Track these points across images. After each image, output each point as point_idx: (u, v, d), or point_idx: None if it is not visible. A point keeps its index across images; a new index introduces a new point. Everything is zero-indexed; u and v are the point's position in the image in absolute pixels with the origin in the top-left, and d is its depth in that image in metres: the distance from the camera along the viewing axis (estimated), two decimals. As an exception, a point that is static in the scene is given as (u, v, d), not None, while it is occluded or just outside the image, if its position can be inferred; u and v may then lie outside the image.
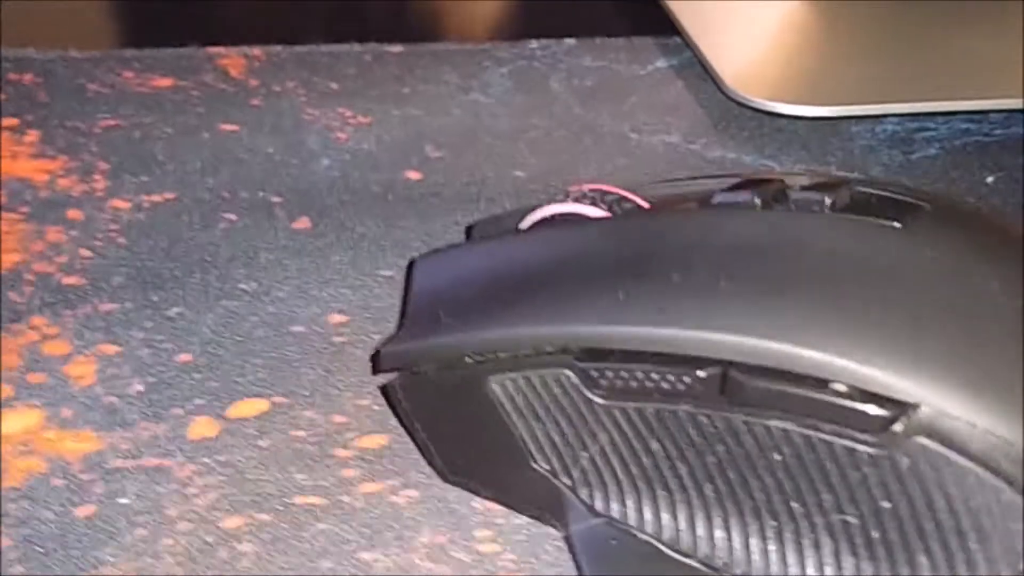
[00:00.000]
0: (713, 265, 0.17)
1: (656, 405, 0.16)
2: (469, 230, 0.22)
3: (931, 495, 0.15)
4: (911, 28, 0.31)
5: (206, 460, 0.21)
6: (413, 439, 0.20)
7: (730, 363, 0.16)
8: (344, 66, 0.33)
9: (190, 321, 0.24)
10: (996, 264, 0.16)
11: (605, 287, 0.17)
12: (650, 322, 0.16)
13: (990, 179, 0.28)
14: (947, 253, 0.16)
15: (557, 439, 0.18)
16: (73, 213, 0.27)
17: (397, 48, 0.34)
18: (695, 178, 0.21)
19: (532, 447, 0.18)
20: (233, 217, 0.27)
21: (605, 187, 0.20)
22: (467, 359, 0.18)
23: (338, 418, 0.21)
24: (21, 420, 0.21)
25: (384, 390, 0.20)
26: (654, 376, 0.16)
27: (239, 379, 0.22)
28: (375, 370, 0.19)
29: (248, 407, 0.22)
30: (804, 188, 0.18)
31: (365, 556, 0.19)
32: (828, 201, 0.17)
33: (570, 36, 0.34)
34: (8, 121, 0.31)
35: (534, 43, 0.33)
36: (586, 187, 0.20)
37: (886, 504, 0.15)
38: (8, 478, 0.20)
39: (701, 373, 0.16)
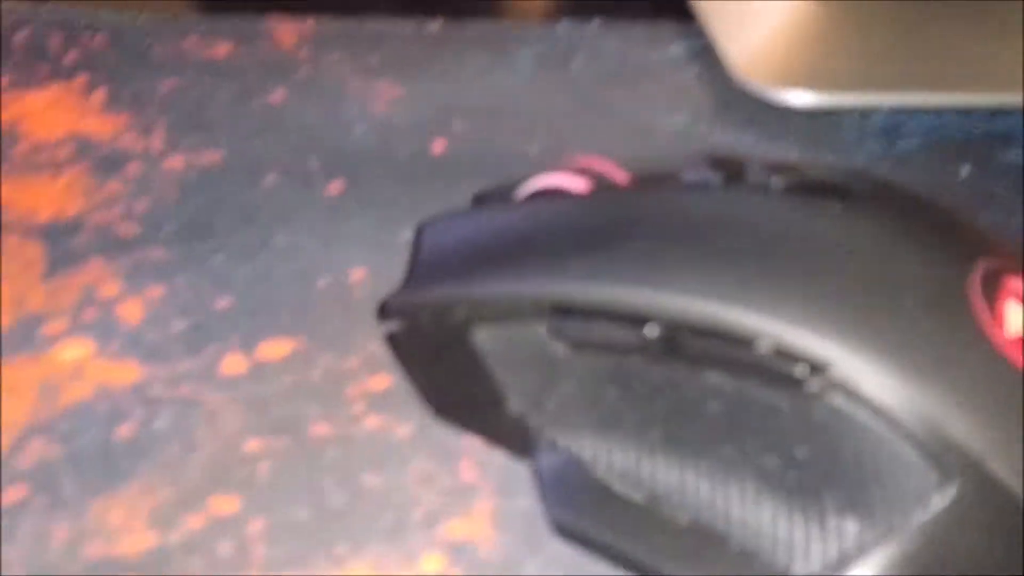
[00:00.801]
0: (667, 237, 0.19)
1: (611, 358, 0.19)
2: (476, 197, 0.25)
3: (838, 446, 0.17)
4: (916, 25, 0.33)
5: (234, 392, 0.24)
6: (410, 381, 0.23)
7: (674, 324, 0.18)
8: (386, 41, 0.35)
9: (230, 270, 0.27)
10: (922, 242, 0.18)
11: (574, 255, 0.19)
12: (606, 283, 0.19)
13: (964, 172, 0.29)
14: (880, 232, 0.19)
15: (528, 385, 0.20)
16: (132, 168, 0.30)
17: (435, 26, 0.36)
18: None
19: (508, 391, 0.20)
20: (275, 178, 0.29)
21: (595, 160, 0.22)
22: (456, 312, 0.20)
23: (352, 360, 0.24)
24: (74, 351, 0.24)
25: (387, 337, 0.22)
26: (610, 333, 0.19)
27: (268, 323, 0.25)
28: (380, 318, 0.22)
29: (275, 348, 0.25)
30: (761, 169, 0.20)
31: (364, 478, 0.22)
32: (779, 182, 0.19)
33: (595, 20, 0.36)
34: (79, 78, 0.33)
35: (560, 26, 0.36)
36: (580, 160, 0.22)
37: (800, 451, 0.18)
38: (60, 401, 0.23)
39: (649, 331, 0.18)
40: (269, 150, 0.31)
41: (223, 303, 0.26)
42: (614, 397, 0.19)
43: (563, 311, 0.19)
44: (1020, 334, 0.17)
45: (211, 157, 0.30)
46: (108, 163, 0.30)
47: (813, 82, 0.30)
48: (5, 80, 0.33)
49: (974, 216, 0.23)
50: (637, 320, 0.18)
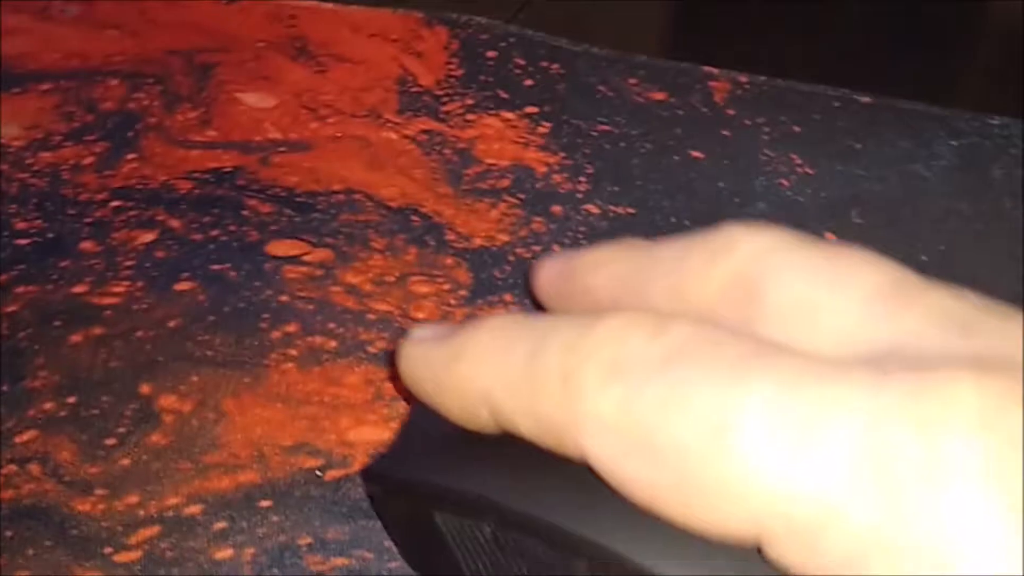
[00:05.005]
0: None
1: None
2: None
3: None
4: None
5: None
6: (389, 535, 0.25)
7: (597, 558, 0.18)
8: (812, 108, 0.37)
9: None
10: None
11: (535, 480, 0.20)
12: (545, 511, 0.19)
13: None
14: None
15: (481, 567, 0.22)
16: (556, 208, 0.34)
17: (865, 98, 0.37)
18: None
19: (464, 566, 0.22)
20: (674, 243, 0.32)
21: None
22: (422, 496, 0.22)
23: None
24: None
25: (368, 497, 0.25)
26: (542, 554, 0.20)
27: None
28: (362, 479, 0.24)
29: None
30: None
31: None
32: None
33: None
34: (530, 108, 0.38)
35: (995, 119, 0.35)
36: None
37: None
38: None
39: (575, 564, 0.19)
40: (677, 212, 0.33)
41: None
42: None
43: (507, 523, 0.20)
44: None
45: (623, 211, 0.34)
46: (538, 200, 0.34)
47: None
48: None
49: None
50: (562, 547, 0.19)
